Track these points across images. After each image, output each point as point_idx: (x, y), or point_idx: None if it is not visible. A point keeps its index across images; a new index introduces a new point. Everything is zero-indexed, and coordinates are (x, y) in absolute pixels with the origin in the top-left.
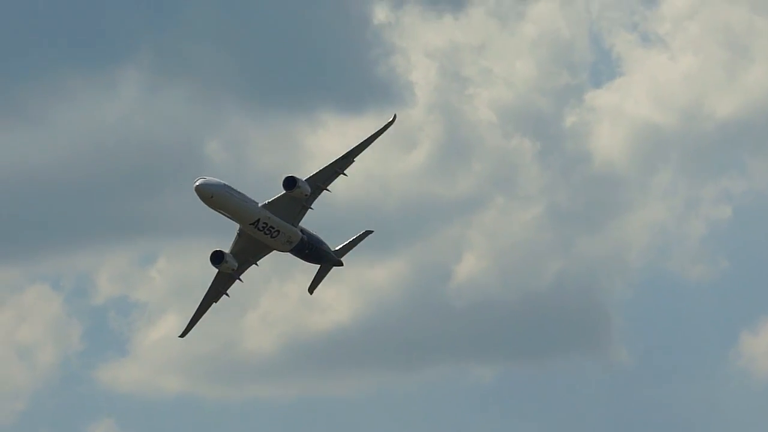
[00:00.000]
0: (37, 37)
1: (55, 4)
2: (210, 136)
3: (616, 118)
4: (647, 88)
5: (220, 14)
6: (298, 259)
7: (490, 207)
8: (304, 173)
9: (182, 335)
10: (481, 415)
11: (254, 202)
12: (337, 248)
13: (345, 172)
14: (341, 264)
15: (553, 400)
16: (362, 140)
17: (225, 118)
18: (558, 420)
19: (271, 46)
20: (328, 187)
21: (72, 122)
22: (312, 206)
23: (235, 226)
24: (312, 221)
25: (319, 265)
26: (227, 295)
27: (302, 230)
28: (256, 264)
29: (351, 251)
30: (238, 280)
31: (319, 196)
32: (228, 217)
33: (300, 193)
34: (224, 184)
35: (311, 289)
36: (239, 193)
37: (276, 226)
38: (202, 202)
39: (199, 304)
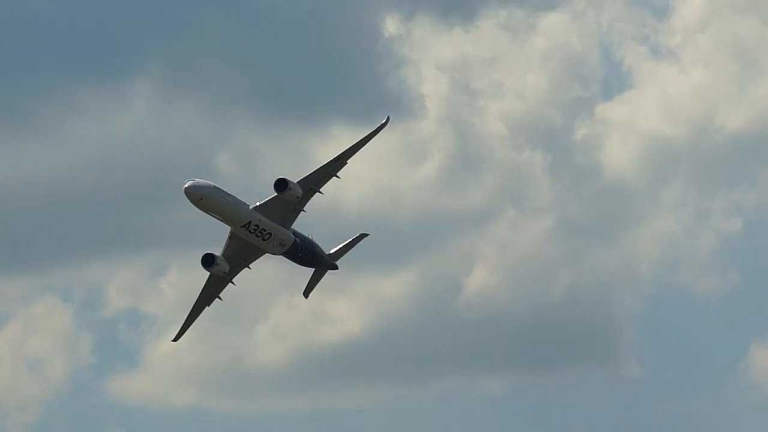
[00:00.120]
0: (48, 50)
1: (66, 17)
2: (221, 148)
3: (626, 131)
4: (658, 101)
5: (230, 27)
6: (292, 262)
7: (500, 219)
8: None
9: (175, 339)
10: (492, 428)
11: (245, 204)
12: (331, 251)
13: (338, 174)
14: (336, 267)
15: (564, 413)
16: (355, 142)
17: (236, 130)
18: None
19: (281, 59)
20: (321, 190)
21: (83, 135)
22: (305, 209)
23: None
24: (322, 233)
25: (313, 269)
26: (220, 298)
27: (295, 233)
28: (249, 267)
29: (346, 255)
30: (231, 284)
31: (327, 207)
32: (219, 219)
33: (291, 196)
34: (214, 186)
35: (306, 293)
36: (230, 195)
37: (268, 229)
38: (193, 205)
39: (191, 307)
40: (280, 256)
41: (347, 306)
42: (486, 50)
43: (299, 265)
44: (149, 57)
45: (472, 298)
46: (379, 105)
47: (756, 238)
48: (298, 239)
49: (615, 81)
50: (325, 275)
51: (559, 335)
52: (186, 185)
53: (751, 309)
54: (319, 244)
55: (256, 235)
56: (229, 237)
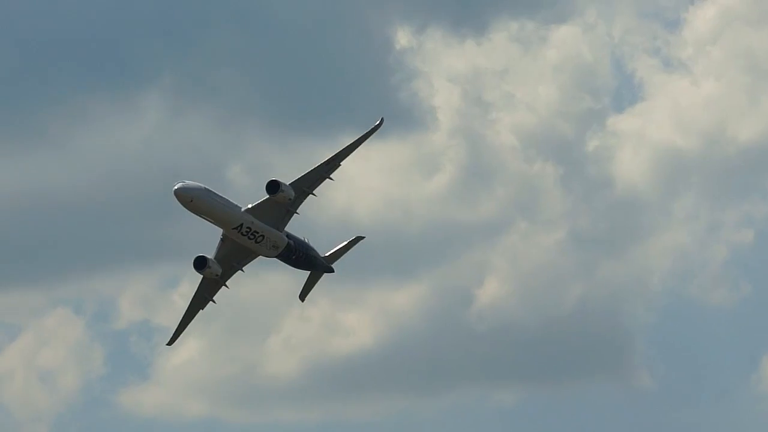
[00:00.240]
0: (60, 62)
1: (78, 29)
2: (232, 160)
3: (638, 143)
4: (669, 113)
5: (242, 39)
6: (287, 265)
7: (512, 231)
8: (327, 200)
9: (169, 343)
10: None
11: (237, 206)
12: (326, 254)
13: (331, 177)
14: (332, 270)
15: (575, 424)
16: (348, 144)
17: (247, 142)
18: None
19: (293, 71)
20: (314, 192)
21: (94, 146)
22: (298, 211)
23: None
24: (332, 245)
25: (308, 272)
26: (213, 301)
27: (288, 235)
28: (242, 270)
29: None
30: (224, 286)
31: (339, 218)
32: (210, 222)
33: (283, 197)
34: (204, 188)
35: (302, 296)
36: (221, 197)
37: (260, 231)
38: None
39: (185, 311)
40: (275, 259)
41: (359, 317)
42: (498, 62)
43: (294, 268)
44: (160, 69)
45: (484, 309)
46: (391, 117)
47: (767, 249)
48: (291, 242)
49: (627, 93)
50: (323, 278)
51: (570, 346)
52: (176, 187)
53: (762, 320)
54: (315, 248)
55: (249, 238)
56: (221, 239)
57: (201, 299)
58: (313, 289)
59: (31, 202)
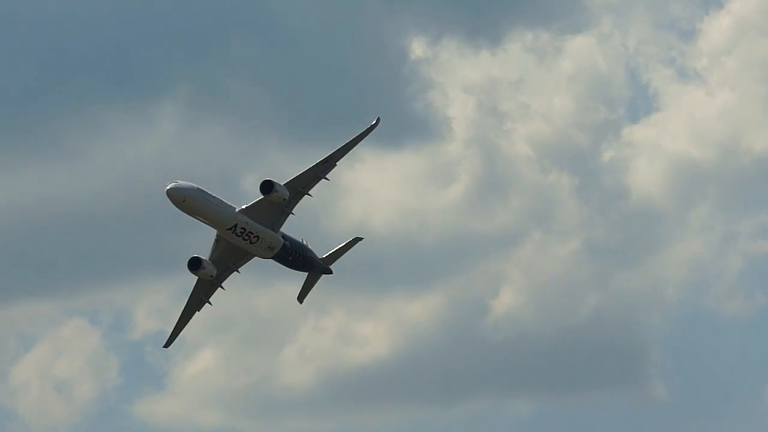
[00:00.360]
0: (75, 72)
1: (93, 40)
2: (248, 170)
3: (653, 154)
4: (684, 124)
5: (257, 50)
6: (284, 267)
7: (527, 242)
8: (342, 211)
9: (166, 345)
10: None
11: (231, 206)
12: (324, 256)
13: (327, 177)
14: (330, 272)
15: None
16: (344, 143)
17: (263, 153)
18: None
19: (308, 81)
20: (310, 192)
21: (110, 157)
22: (293, 212)
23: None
24: (351, 255)
25: (306, 273)
26: (210, 303)
27: (284, 236)
28: (238, 271)
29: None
30: (220, 288)
31: (355, 229)
32: (204, 222)
33: (278, 198)
34: (197, 188)
35: (300, 298)
36: (214, 197)
37: (255, 232)
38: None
39: (180, 312)
40: (271, 260)
41: (374, 328)
42: (513, 73)
43: (291, 269)
44: (176, 79)
45: (499, 319)
46: (406, 128)
47: None
48: (287, 242)
49: (642, 103)
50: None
51: (585, 357)
52: (168, 187)
53: None
54: (312, 248)
55: (243, 238)
56: (216, 240)
57: (196, 301)
58: (325, 298)
59: (46, 212)
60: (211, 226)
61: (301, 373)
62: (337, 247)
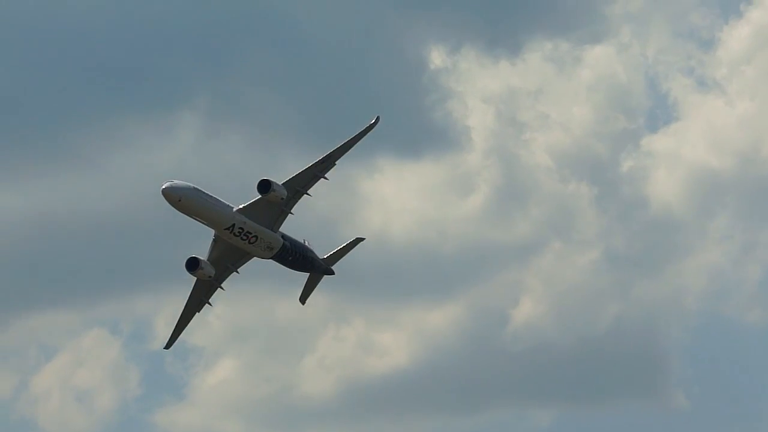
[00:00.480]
0: (94, 83)
1: (112, 50)
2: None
3: (672, 163)
4: (704, 133)
5: (276, 60)
6: (285, 267)
7: (547, 251)
8: (362, 221)
9: (167, 347)
10: None
11: (229, 206)
12: (325, 256)
13: (326, 176)
14: (332, 272)
15: None
16: (344, 142)
17: (282, 163)
18: None
19: (327, 91)
20: (309, 192)
21: (129, 167)
22: (292, 211)
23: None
24: (369, 264)
25: (307, 274)
26: (209, 304)
27: (284, 236)
28: (237, 272)
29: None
30: (220, 288)
31: (375, 240)
32: (202, 222)
33: (275, 197)
34: (193, 187)
35: (302, 299)
36: (211, 196)
37: (253, 232)
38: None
39: (180, 314)
40: (271, 261)
41: (394, 338)
42: (532, 83)
43: (292, 270)
44: (194, 90)
45: (519, 329)
46: (426, 138)
47: None
48: (287, 242)
49: (661, 113)
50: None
51: (605, 366)
52: (163, 186)
53: None
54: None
55: (241, 238)
56: (214, 240)
57: (196, 302)
58: (344, 307)
59: (66, 222)
60: (209, 226)
61: (322, 382)
62: (339, 248)
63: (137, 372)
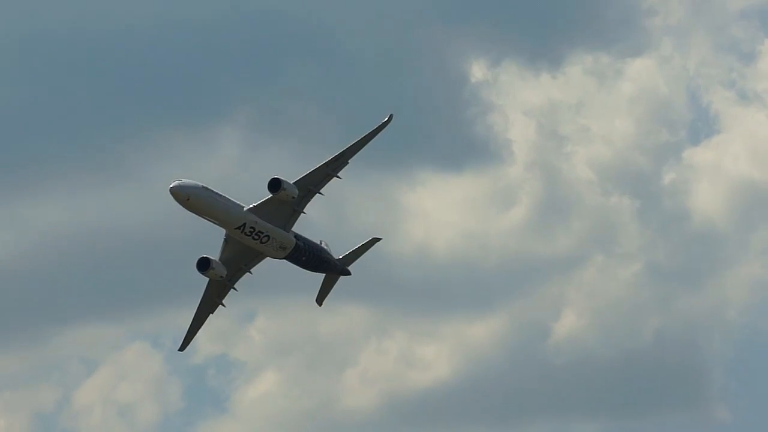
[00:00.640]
0: (138, 97)
1: (155, 64)
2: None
3: (714, 176)
4: (745, 145)
5: (317, 73)
6: (299, 267)
7: (589, 264)
8: (405, 232)
9: (181, 349)
10: None
11: (239, 205)
12: (341, 257)
13: (339, 174)
14: (348, 273)
15: None
16: (357, 140)
17: None
18: None
19: (369, 105)
20: (321, 191)
21: (171, 180)
22: (305, 210)
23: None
24: (409, 277)
25: (323, 275)
26: (223, 305)
27: (297, 236)
28: (250, 272)
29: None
30: (233, 289)
31: (417, 252)
32: (212, 222)
33: (286, 196)
34: (202, 187)
35: (319, 300)
36: (221, 195)
37: (265, 231)
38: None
39: (194, 315)
40: (284, 261)
41: (436, 351)
42: (573, 96)
43: (307, 271)
44: (237, 103)
45: (561, 342)
46: (467, 151)
47: None
48: (300, 242)
49: (702, 126)
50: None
51: (647, 379)
52: (171, 186)
53: None
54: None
55: (253, 238)
56: (225, 240)
57: (209, 303)
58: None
59: (108, 236)
60: (220, 225)
61: (364, 396)
62: (355, 248)
63: (179, 385)
